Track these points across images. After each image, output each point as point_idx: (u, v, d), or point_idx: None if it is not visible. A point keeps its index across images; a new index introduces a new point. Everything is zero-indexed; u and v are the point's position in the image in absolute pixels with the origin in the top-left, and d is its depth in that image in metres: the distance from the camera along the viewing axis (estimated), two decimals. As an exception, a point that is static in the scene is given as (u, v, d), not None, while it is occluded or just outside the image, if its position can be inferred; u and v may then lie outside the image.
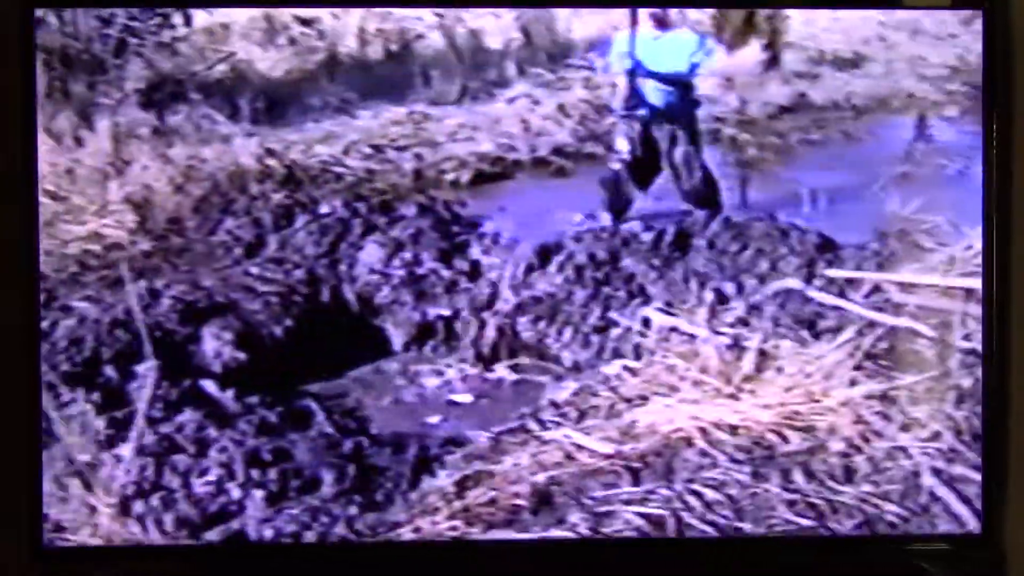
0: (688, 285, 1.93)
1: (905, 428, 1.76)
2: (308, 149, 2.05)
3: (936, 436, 1.75)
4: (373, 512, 1.70)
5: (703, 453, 1.75)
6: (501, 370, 1.94)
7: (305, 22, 2.12)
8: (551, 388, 1.88)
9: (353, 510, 1.70)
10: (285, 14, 2.09)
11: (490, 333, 1.95)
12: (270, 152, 2.02)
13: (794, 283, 1.90)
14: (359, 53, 2.14)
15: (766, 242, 1.98)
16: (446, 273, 2.00)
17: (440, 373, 1.94)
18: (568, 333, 1.93)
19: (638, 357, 1.86)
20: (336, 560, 1.71)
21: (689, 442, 1.76)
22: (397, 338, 2.00)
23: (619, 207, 2.04)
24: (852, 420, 1.76)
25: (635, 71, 1.98)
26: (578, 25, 2.06)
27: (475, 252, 2.02)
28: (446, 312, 1.98)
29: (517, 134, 2.16)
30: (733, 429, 1.77)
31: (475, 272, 2.01)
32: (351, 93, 2.15)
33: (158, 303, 1.87)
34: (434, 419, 1.87)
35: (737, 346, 1.83)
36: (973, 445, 1.73)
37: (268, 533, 1.68)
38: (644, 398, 1.81)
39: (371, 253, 2.01)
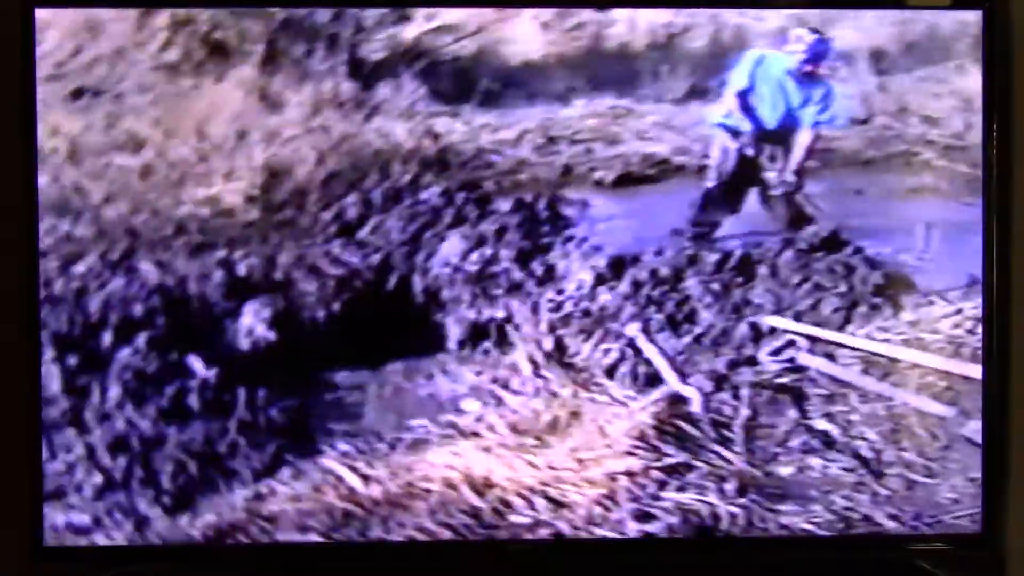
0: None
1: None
2: (480, 134, 1.91)
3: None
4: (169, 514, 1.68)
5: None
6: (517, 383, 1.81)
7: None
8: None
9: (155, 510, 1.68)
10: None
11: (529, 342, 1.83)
12: (429, 133, 1.91)
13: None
14: (626, 44, 1.95)
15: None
16: (518, 275, 1.88)
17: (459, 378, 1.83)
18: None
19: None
20: (334, 560, 1.71)
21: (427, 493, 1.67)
22: (452, 335, 1.88)
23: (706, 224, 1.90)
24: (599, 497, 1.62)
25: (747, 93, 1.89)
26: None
27: (555, 256, 1.88)
28: (500, 314, 1.86)
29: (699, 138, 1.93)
30: (489, 486, 1.65)
31: (548, 276, 1.87)
32: (579, 83, 1.97)
33: (213, 276, 1.81)
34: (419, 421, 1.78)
35: (546, 395, 1.70)
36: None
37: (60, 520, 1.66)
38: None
39: (452, 246, 1.90)
